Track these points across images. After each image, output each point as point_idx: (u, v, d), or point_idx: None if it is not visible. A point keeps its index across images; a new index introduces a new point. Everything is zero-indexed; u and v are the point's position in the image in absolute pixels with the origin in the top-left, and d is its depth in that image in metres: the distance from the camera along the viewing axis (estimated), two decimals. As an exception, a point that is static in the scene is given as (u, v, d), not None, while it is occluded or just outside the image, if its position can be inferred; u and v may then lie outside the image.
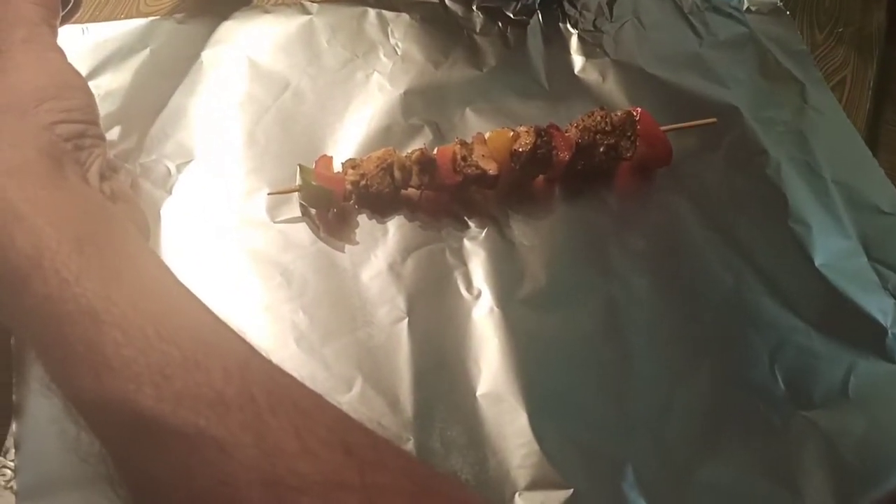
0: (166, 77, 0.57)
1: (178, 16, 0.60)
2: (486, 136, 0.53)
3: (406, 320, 0.48)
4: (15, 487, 0.40)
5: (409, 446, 0.44)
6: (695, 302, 0.51)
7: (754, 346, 0.49)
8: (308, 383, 0.45)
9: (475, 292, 0.49)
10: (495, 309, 0.49)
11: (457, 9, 0.63)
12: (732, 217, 0.55)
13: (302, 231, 0.51)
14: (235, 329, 0.33)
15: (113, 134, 0.53)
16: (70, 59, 0.46)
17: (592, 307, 0.50)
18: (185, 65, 0.57)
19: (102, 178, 0.40)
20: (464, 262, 0.51)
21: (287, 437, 0.28)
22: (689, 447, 0.45)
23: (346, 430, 0.30)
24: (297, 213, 0.51)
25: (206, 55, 0.58)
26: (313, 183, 0.50)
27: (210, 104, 0.56)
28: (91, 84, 0.54)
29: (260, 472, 0.27)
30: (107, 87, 0.55)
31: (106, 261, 0.32)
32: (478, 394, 0.45)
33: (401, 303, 0.48)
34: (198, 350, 0.30)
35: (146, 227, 0.42)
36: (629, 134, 0.54)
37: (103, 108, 0.53)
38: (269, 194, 0.51)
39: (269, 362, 0.32)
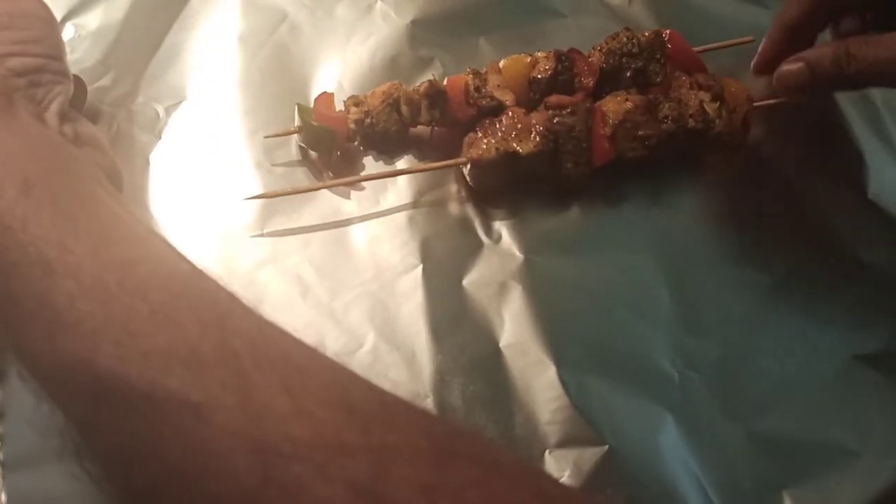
0: (157, 14, 0.52)
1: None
2: (501, 63, 0.48)
3: (420, 268, 0.44)
4: (1, 458, 0.37)
5: (428, 403, 0.40)
6: (747, 239, 0.46)
7: (812, 288, 0.45)
8: (316, 341, 0.41)
9: (495, 235, 0.45)
10: (518, 253, 0.45)
11: (466, -72, 0.58)
12: (776, 148, 0.50)
13: (303, 176, 0.47)
14: (216, 279, 0.29)
15: (106, 80, 0.49)
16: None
17: (630, 246, 0.45)
18: (173, 2, 0.53)
19: (64, 119, 0.35)
20: (481, 204, 0.46)
21: (276, 397, 0.24)
22: (740, 398, 0.41)
23: (348, 387, 0.26)
24: (297, 156, 0.47)
25: (195, -11, 0.53)
26: (313, 123, 0.45)
27: (202, 42, 0.51)
28: (73, 23, 0.51)
29: (244, 438, 0.23)
30: (92, 27, 0.51)
31: (60, 205, 0.28)
32: (501, 345, 0.42)
33: (414, 249, 0.45)
34: (168, 302, 0.26)
35: (117, 176, 0.38)
36: (658, 56, 0.49)
37: (90, 50, 0.50)
38: (265, 137, 0.47)
39: (255, 313, 0.28)
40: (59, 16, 0.50)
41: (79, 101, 0.45)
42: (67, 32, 0.50)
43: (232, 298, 0.28)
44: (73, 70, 0.47)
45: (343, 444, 0.24)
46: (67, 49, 0.49)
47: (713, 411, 0.41)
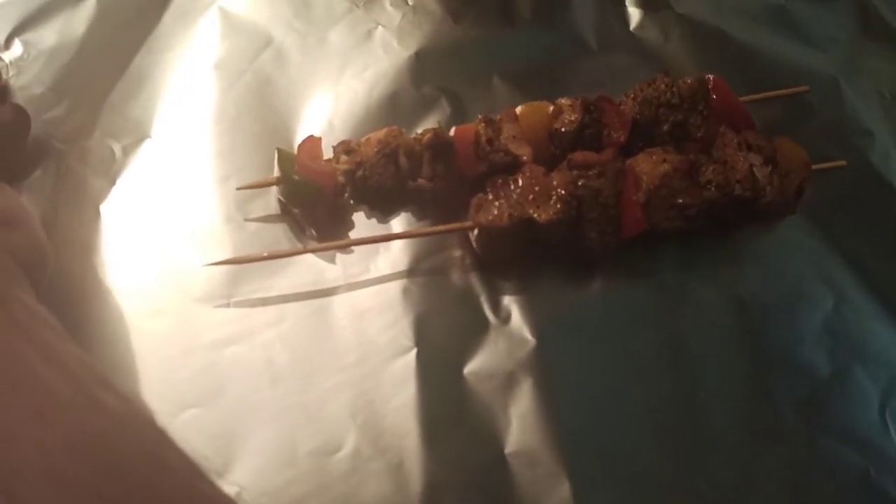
0: (124, 32, 0.46)
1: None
2: (518, 111, 0.42)
3: (414, 352, 0.38)
4: None
5: None
6: (785, 327, 0.40)
7: (860, 386, 0.39)
8: (286, 440, 0.36)
9: (503, 314, 0.39)
10: (529, 336, 0.39)
11: (482, -53, 0.51)
12: (830, 216, 0.44)
13: (281, 234, 0.40)
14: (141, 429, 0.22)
15: (58, 110, 0.43)
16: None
17: (655, 336, 0.40)
18: (143, 18, 0.47)
19: None
20: (489, 275, 0.40)
21: None
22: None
23: None
24: (275, 209, 0.41)
25: (170, 4, 0.47)
26: (295, 177, 0.39)
27: (172, 67, 0.46)
28: (23, 39, 0.45)
29: None
30: (46, 44, 0.45)
31: None
32: (506, 452, 0.36)
33: (407, 329, 0.39)
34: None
35: (41, 259, 0.31)
36: (700, 107, 0.43)
37: (41, 73, 0.44)
38: (238, 189, 0.40)
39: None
40: (6, 29, 0.44)
41: (18, 138, 0.39)
42: (15, 51, 0.44)
43: (152, 473, 0.21)
44: (20, 97, 0.41)
45: None
46: (13, 71, 0.43)
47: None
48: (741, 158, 0.41)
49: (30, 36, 0.44)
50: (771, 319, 0.40)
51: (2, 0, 0.45)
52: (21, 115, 0.39)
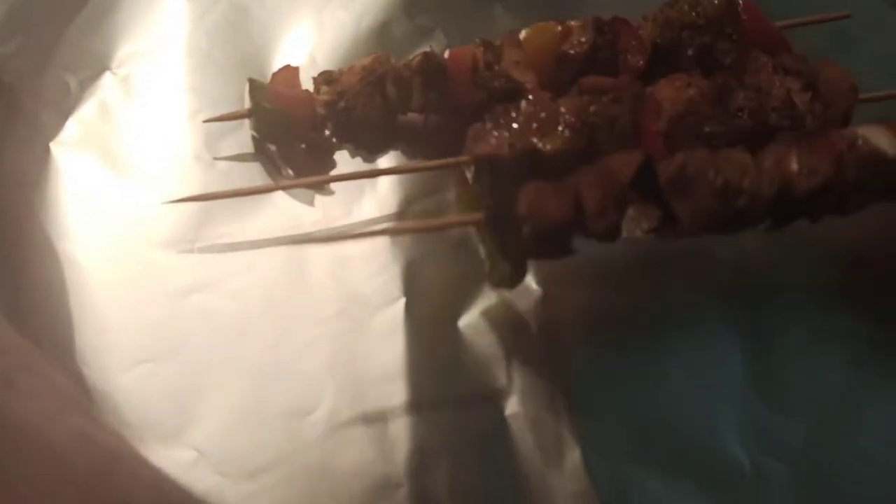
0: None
1: None
2: (522, 35, 0.38)
3: (402, 303, 0.34)
4: None
5: (401, 495, 0.30)
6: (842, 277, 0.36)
7: None
8: (253, 399, 0.32)
9: (504, 262, 0.35)
10: (533, 285, 0.35)
11: None
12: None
13: (255, 174, 0.37)
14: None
15: (11, 45, 0.39)
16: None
17: (686, 280, 0.36)
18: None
19: None
20: (488, 218, 0.36)
21: None
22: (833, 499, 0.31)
23: None
24: (249, 147, 0.37)
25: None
26: (266, 105, 0.35)
27: (138, -1, 0.41)
28: None
29: None
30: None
31: None
32: (507, 414, 0.32)
33: (395, 277, 0.35)
34: None
35: None
36: (729, 31, 0.39)
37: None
38: (205, 121, 0.37)
39: None
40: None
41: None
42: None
43: None
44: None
45: None
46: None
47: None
48: (777, 83, 0.36)
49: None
50: (816, 270, 0.36)
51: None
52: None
